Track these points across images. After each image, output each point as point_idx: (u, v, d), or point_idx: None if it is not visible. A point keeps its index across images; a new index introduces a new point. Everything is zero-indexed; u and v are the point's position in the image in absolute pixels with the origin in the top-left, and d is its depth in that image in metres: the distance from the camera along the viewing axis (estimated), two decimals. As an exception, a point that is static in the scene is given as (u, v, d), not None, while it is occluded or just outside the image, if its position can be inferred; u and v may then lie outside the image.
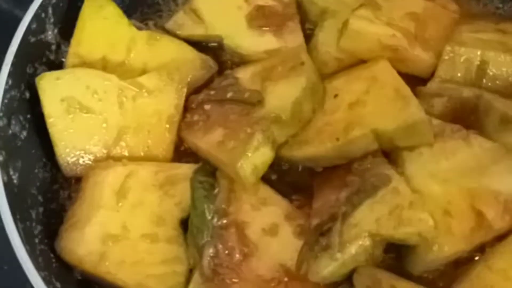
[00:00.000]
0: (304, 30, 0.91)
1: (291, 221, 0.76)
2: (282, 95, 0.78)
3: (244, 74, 0.84)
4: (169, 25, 0.91)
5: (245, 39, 0.89)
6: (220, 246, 0.73)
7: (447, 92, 0.83)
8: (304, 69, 0.79)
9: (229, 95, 0.82)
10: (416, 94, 0.80)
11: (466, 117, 0.82)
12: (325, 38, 0.88)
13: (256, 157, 0.75)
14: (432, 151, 0.77)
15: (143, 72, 0.86)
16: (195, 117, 0.83)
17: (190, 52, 0.89)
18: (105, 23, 0.87)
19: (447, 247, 0.72)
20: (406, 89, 0.79)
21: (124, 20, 0.89)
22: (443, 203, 0.74)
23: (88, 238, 0.73)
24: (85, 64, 0.85)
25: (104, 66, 0.86)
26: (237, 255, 0.72)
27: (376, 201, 0.72)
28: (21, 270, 0.98)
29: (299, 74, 0.79)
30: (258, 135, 0.75)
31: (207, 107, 0.83)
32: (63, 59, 0.88)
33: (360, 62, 0.86)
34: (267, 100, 0.79)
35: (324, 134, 0.79)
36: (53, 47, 0.88)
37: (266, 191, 0.78)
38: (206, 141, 0.79)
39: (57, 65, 0.88)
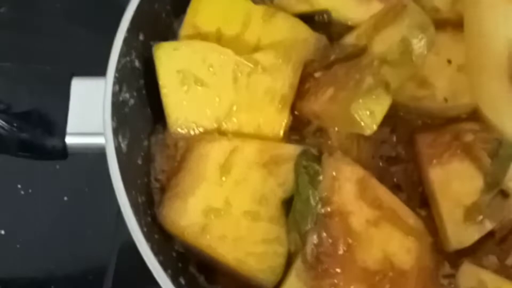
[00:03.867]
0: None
1: (396, 214, 0.73)
2: (387, 39, 0.75)
3: (348, 39, 0.82)
4: (275, 3, 0.88)
5: (352, 10, 0.86)
6: (324, 235, 0.71)
7: None
8: (406, 11, 0.75)
9: (332, 57, 0.80)
10: None
11: None
12: None
13: (369, 101, 0.70)
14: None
15: (256, 47, 0.84)
16: (306, 86, 0.81)
17: (305, 31, 0.86)
18: (223, -6, 0.87)
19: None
20: None
21: (241, -7, 0.88)
22: None
23: (191, 209, 0.73)
24: (200, 35, 0.84)
25: (218, 38, 0.85)
26: (341, 245, 0.70)
27: None
28: (105, 236, 1.00)
29: (402, 16, 0.75)
30: (369, 78, 0.71)
31: (316, 74, 0.81)
32: (172, 31, 0.88)
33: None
34: (373, 48, 0.75)
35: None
36: (164, 17, 0.87)
37: (372, 182, 0.75)
38: (319, 102, 0.76)
39: (166, 36, 0.87)
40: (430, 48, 0.75)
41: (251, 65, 0.80)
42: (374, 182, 0.75)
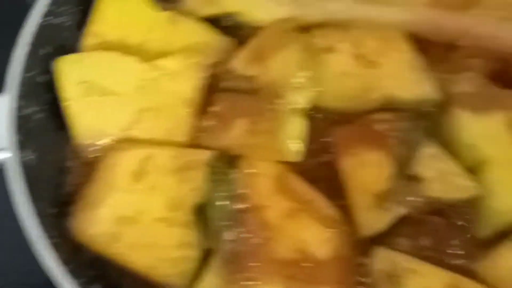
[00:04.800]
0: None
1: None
2: (284, 64, 0.77)
3: (237, 64, 0.81)
4: (180, 7, 0.87)
5: (263, 12, 0.86)
6: (240, 230, 0.71)
7: None
8: (291, 37, 0.79)
9: (222, 84, 0.80)
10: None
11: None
12: None
13: (293, 129, 0.74)
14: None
15: (162, 54, 0.83)
16: (208, 121, 0.79)
17: (211, 35, 0.86)
18: (126, 1, 0.86)
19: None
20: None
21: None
22: None
23: (102, 219, 0.72)
24: (103, 43, 0.83)
25: (123, 46, 0.84)
26: (257, 239, 0.70)
27: None
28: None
29: (288, 43, 0.78)
30: (284, 108, 0.73)
31: (215, 108, 0.79)
32: (78, 43, 0.86)
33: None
34: (271, 75, 0.77)
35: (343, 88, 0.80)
36: (68, 30, 0.86)
37: (289, 176, 0.75)
38: (233, 136, 0.76)
39: (72, 49, 0.85)
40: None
41: (156, 71, 0.80)
42: (291, 176, 0.75)
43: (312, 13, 0.85)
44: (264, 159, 0.76)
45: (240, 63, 0.81)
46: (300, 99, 0.77)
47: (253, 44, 0.82)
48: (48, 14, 0.81)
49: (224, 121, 0.78)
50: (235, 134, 0.76)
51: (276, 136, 0.73)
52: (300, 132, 0.75)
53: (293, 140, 0.75)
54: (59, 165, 0.80)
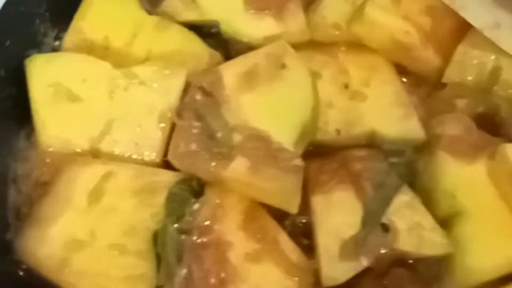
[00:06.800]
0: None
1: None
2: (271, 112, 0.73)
3: (229, 75, 0.75)
4: (161, 10, 0.83)
5: (243, 24, 0.82)
6: (195, 267, 0.66)
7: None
8: (286, 74, 0.74)
9: (195, 128, 0.72)
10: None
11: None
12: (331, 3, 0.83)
13: (300, 182, 0.70)
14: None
15: (145, 60, 0.79)
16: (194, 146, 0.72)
17: (198, 45, 0.81)
18: (114, 2, 0.82)
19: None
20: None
21: (134, 1, 0.82)
22: None
23: (52, 240, 0.67)
24: (85, 41, 0.79)
25: (106, 47, 0.80)
26: (213, 280, 0.66)
27: None
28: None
29: (282, 80, 0.73)
30: (296, 160, 0.70)
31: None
32: (50, 39, 0.82)
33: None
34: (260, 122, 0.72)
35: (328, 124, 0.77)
36: (37, 23, 0.80)
37: (259, 211, 0.71)
38: (234, 170, 0.69)
39: (39, 44, 0.81)
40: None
41: (129, 79, 0.75)
42: (262, 213, 0.71)
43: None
44: (260, 198, 0.71)
45: (231, 80, 0.74)
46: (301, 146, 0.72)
47: (245, 63, 0.76)
48: (16, 3, 0.76)
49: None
50: (237, 168, 0.69)
51: (282, 186, 0.69)
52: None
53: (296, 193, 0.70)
54: (6, 173, 0.74)
